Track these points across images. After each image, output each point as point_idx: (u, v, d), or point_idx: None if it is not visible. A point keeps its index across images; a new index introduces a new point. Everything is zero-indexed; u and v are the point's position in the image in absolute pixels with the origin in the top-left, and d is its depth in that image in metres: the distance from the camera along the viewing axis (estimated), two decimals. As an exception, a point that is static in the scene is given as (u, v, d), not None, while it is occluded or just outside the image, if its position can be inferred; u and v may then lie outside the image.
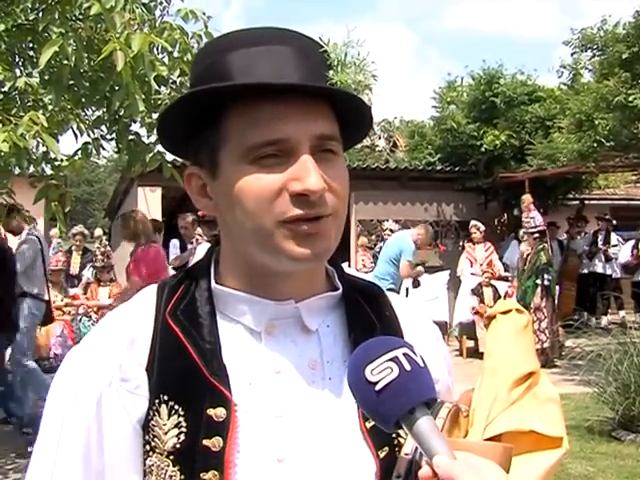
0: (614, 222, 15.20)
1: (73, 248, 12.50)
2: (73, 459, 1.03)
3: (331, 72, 1.07)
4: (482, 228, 12.44)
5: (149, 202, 14.01)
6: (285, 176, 1.00)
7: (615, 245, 14.69)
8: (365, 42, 1.09)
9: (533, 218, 10.96)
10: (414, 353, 0.90)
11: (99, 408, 1.03)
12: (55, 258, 11.26)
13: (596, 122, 10.17)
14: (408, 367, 0.88)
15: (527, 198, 11.30)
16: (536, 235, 10.87)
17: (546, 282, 10.70)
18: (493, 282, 11.72)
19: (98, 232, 14.16)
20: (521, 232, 12.52)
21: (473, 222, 12.68)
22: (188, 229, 10.02)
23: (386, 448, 1.04)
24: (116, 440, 1.02)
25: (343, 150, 1.10)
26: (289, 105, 1.01)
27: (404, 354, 0.89)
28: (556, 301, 11.21)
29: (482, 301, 11.35)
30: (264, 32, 1.07)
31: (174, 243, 10.66)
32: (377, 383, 0.87)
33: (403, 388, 0.87)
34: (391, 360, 0.88)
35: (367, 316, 1.13)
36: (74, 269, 12.18)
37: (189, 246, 9.99)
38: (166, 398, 1.02)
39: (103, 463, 1.03)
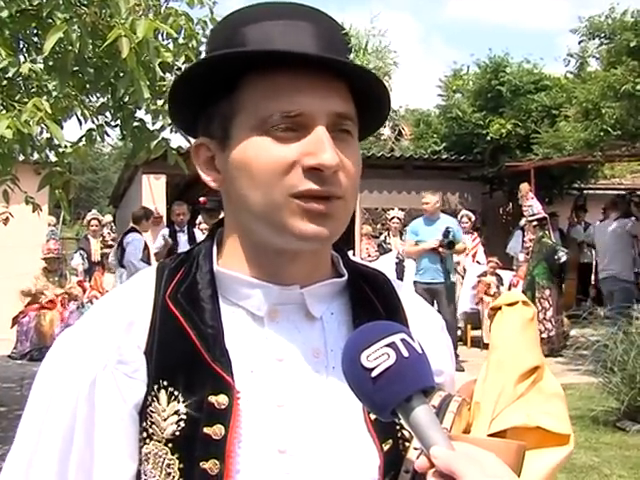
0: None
1: (89, 235, 12.43)
2: (53, 447, 0.99)
3: (352, 55, 1.04)
4: (473, 218, 12.39)
5: (153, 190, 13.99)
6: (299, 149, 0.98)
7: None
8: (387, 32, 1.07)
9: (531, 206, 10.97)
10: (412, 339, 0.88)
11: (92, 391, 0.99)
12: (46, 246, 11.27)
13: (603, 111, 10.11)
14: (406, 353, 0.85)
15: (524, 187, 11.36)
16: (535, 223, 10.87)
17: (563, 258, 10.64)
18: (498, 271, 11.70)
19: (108, 218, 14.16)
20: (522, 221, 12.53)
21: (464, 212, 12.64)
22: (186, 215, 10.30)
23: (390, 441, 1.02)
24: (110, 426, 0.99)
25: (358, 139, 1.07)
26: (308, 78, 0.98)
27: (402, 340, 0.86)
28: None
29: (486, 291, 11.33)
30: (285, 7, 1.04)
31: (162, 233, 10.69)
32: (373, 369, 0.84)
33: (400, 375, 0.84)
34: (388, 346, 0.85)
35: (372, 304, 1.10)
36: (95, 256, 12.10)
37: (180, 235, 10.07)
38: (165, 383, 0.99)
39: (92, 450, 0.99)
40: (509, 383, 1.06)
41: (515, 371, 1.07)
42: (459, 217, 12.37)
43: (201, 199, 10.18)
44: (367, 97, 1.04)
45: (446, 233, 9.12)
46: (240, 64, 1.00)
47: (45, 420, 1.00)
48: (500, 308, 1.16)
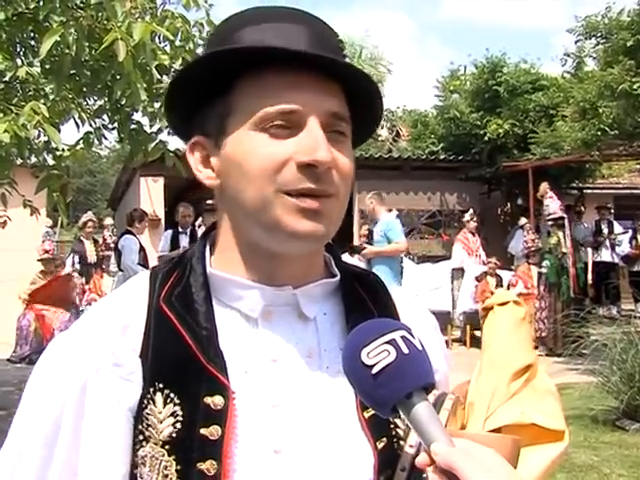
0: (612, 210, 15.21)
1: (83, 236, 12.35)
2: (36, 453, 0.99)
3: (347, 60, 1.05)
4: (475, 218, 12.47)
5: (151, 192, 14.00)
6: (294, 146, 0.98)
7: (620, 233, 14.65)
8: (380, 46, 1.07)
9: (547, 206, 10.96)
10: (412, 336, 0.88)
11: (82, 395, 0.99)
12: (42, 247, 11.26)
13: (600, 110, 10.13)
14: (406, 350, 0.85)
15: (543, 186, 11.27)
16: (551, 222, 10.87)
17: (542, 269, 10.70)
18: (498, 271, 11.71)
19: (109, 221, 14.17)
20: (521, 221, 12.54)
21: (472, 211, 12.67)
22: (191, 217, 10.40)
23: (384, 439, 1.02)
24: (100, 428, 0.99)
25: (354, 145, 1.07)
26: (303, 77, 0.99)
27: (402, 337, 0.87)
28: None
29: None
30: (281, 10, 1.05)
31: (165, 235, 10.73)
32: (373, 366, 0.85)
33: (400, 372, 0.84)
34: (388, 343, 0.86)
35: (365, 303, 1.10)
36: (91, 257, 12.07)
37: (182, 236, 10.07)
38: (161, 386, 0.99)
39: (78, 453, 0.99)
40: (502, 382, 1.07)
41: (508, 370, 1.07)
42: (467, 216, 12.41)
43: (210, 201, 10.24)
44: (360, 100, 1.04)
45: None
46: (235, 63, 1.00)
47: (30, 427, 1.00)
48: (492, 308, 1.17)
